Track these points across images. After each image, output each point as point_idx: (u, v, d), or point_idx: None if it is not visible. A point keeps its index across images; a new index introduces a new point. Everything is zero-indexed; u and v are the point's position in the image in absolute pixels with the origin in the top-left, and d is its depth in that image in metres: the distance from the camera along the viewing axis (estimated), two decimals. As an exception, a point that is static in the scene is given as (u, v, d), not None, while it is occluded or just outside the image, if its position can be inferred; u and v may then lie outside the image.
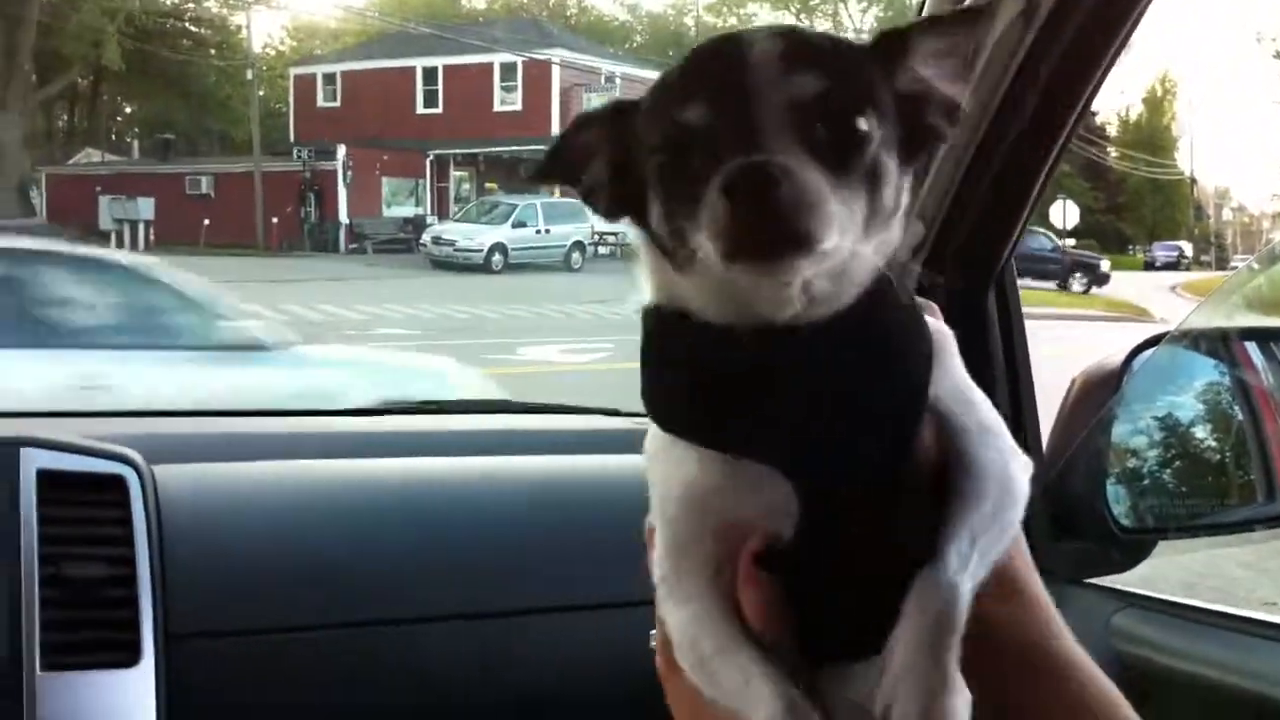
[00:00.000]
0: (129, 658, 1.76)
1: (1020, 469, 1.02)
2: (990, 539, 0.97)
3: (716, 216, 0.85)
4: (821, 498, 0.95)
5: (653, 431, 1.01)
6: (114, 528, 1.85)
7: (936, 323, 1.03)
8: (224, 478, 2.07)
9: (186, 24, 52.47)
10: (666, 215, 0.93)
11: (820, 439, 0.94)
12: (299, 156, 46.32)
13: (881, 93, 0.93)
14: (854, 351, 0.94)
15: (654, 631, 1.08)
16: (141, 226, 41.41)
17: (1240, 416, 2.14)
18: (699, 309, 0.95)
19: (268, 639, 1.88)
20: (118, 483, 1.90)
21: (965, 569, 0.94)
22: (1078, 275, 36.08)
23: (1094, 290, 36.67)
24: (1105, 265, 36.64)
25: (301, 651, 1.90)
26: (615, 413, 2.48)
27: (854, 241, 0.89)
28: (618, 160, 0.99)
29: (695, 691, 1.00)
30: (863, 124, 0.89)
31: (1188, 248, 43.86)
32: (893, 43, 0.96)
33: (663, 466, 0.99)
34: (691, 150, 0.89)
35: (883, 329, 0.96)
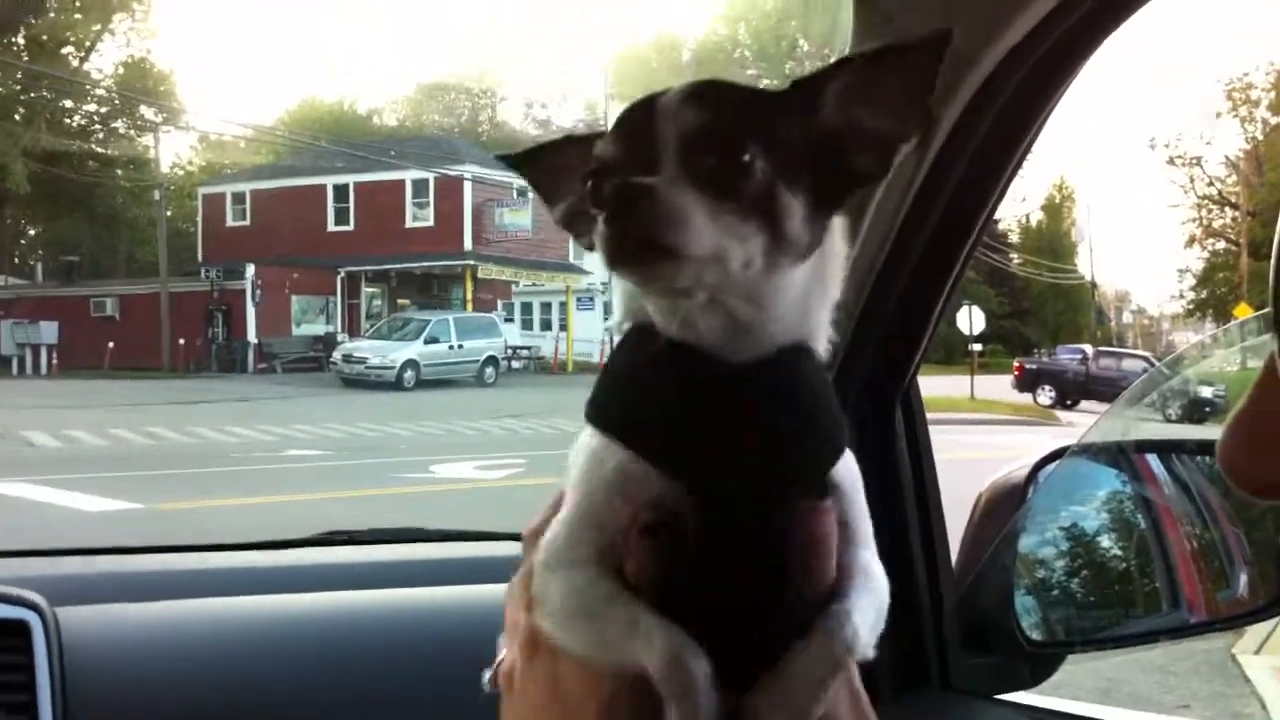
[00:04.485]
0: (30, 809, 1.70)
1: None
2: (873, 627, 1.07)
3: (599, 228, 0.97)
4: (716, 521, 1.03)
5: (589, 431, 1.09)
6: (16, 674, 1.80)
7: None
8: (129, 619, 2.02)
9: (93, 145, 52.18)
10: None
11: (723, 474, 1.03)
12: (207, 276, 45.99)
13: (780, 130, 1.01)
14: (779, 397, 1.04)
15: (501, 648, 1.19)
16: (44, 351, 40.83)
17: (1143, 526, 2.18)
18: (661, 327, 1.05)
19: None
20: (20, 628, 1.85)
21: (863, 628, 1.05)
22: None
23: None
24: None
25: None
26: (530, 538, 2.46)
27: (749, 261, 0.98)
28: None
29: (556, 670, 1.07)
30: (746, 155, 0.99)
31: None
32: (803, 86, 1.05)
33: (590, 451, 1.07)
34: (604, 176, 1.01)
35: (811, 386, 1.06)
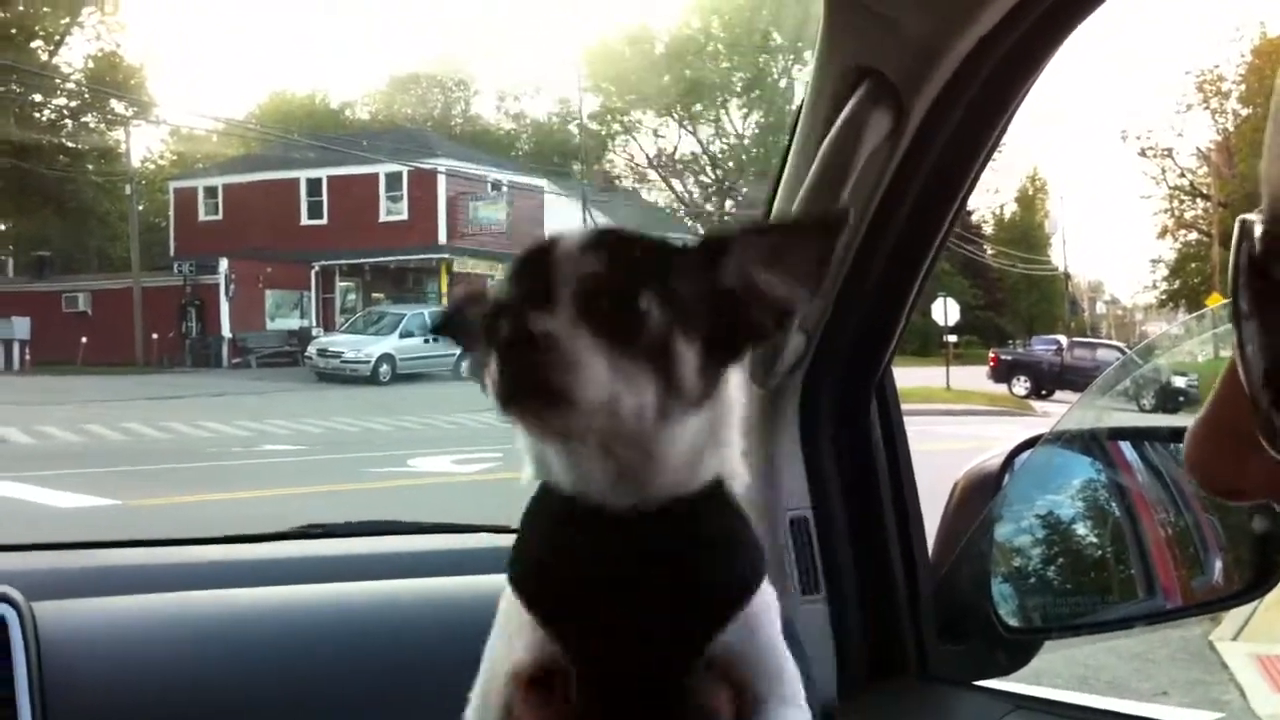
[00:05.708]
0: (7, 805, 1.69)
1: None
2: None
3: (492, 370, 0.97)
4: (594, 680, 1.05)
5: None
6: (-8, 669, 1.79)
7: (765, 586, 1.11)
8: (106, 613, 2.00)
9: (64, 140, 51.79)
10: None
11: (601, 638, 1.04)
12: (179, 271, 45.75)
13: (678, 282, 1.02)
14: (651, 557, 1.04)
15: None
16: (16, 346, 40.57)
17: (1117, 514, 2.19)
18: (557, 479, 1.06)
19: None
20: (-4, 622, 1.84)
21: None
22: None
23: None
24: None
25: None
26: (506, 529, 2.46)
27: (641, 410, 0.98)
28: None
29: None
30: (642, 303, 0.98)
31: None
32: (713, 243, 1.06)
33: (503, 605, 1.11)
34: (501, 320, 1.00)
35: (699, 541, 1.05)
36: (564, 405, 0.96)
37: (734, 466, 1.09)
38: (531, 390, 0.96)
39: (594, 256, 1.01)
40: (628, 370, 0.97)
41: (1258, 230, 0.67)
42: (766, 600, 1.09)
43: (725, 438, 1.07)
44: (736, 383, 1.08)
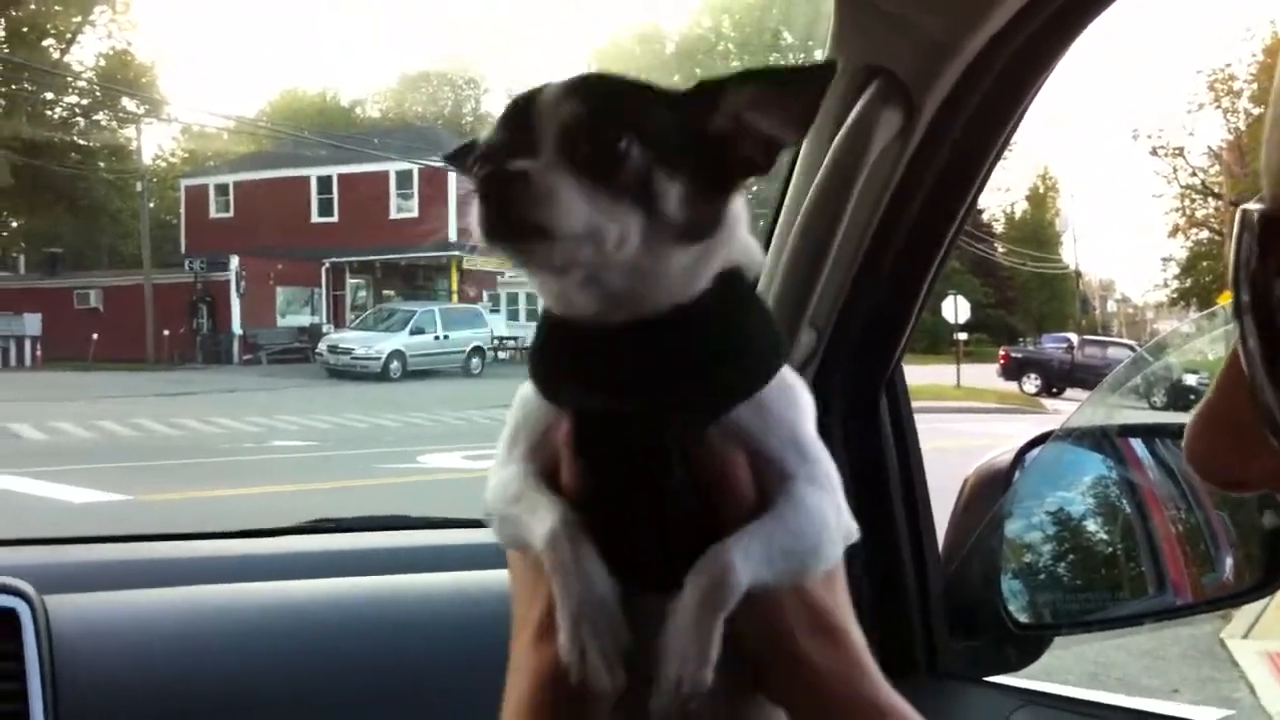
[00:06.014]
0: (20, 798, 1.70)
1: (837, 515, 1.14)
2: (786, 553, 1.09)
3: (476, 209, 1.04)
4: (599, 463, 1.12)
5: None
6: (5, 662, 1.80)
7: (793, 379, 1.16)
8: (118, 607, 2.01)
9: (75, 137, 51.90)
10: None
11: (597, 429, 1.11)
12: (190, 268, 45.81)
13: (661, 121, 1.07)
14: (633, 357, 1.09)
15: None
16: (28, 343, 40.65)
17: (1128, 510, 2.19)
18: (548, 305, 1.15)
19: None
20: (8, 616, 1.85)
21: (748, 561, 1.06)
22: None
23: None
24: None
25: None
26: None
27: (624, 240, 1.04)
28: None
29: (512, 570, 1.20)
30: (621, 142, 1.04)
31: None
32: (704, 89, 1.10)
33: (525, 387, 1.19)
34: (488, 162, 1.07)
35: (703, 347, 1.10)
36: (543, 237, 1.02)
37: (747, 257, 1.13)
38: (509, 223, 1.03)
39: (576, 101, 1.06)
40: (607, 205, 1.03)
41: (1257, 220, 0.67)
42: (783, 387, 1.14)
43: (733, 244, 1.12)
44: (740, 212, 1.13)
